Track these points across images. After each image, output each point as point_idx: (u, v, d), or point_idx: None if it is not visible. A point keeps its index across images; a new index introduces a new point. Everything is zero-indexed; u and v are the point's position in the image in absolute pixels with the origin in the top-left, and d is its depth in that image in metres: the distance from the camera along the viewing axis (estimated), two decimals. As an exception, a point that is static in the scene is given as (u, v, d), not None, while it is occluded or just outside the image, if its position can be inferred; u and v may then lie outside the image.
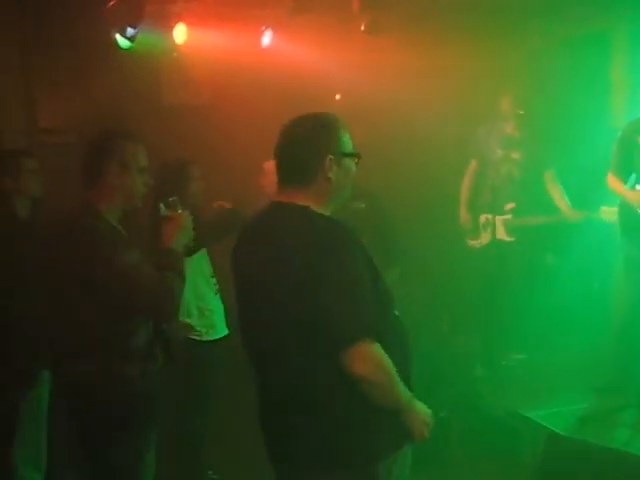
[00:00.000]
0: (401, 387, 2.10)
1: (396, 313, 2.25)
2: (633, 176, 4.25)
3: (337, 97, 6.29)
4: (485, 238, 5.19)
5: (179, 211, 2.69)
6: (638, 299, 4.17)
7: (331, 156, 2.12)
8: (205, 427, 3.94)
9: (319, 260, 1.99)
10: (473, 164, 5.32)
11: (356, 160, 2.23)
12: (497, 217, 5.12)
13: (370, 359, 1.99)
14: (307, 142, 2.13)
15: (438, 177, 5.65)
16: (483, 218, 5.20)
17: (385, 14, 5.17)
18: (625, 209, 4.21)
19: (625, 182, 4.26)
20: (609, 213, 4.44)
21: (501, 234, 5.12)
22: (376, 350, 2.01)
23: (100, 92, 5.23)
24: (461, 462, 4.20)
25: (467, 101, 5.64)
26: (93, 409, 2.58)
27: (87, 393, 2.58)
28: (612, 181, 4.31)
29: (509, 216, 5.06)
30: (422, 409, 2.21)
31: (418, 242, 5.50)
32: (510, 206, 5.06)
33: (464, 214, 5.30)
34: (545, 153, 5.06)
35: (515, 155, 5.07)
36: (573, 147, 5.10)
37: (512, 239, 5.07)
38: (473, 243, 5.26)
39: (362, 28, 5.04)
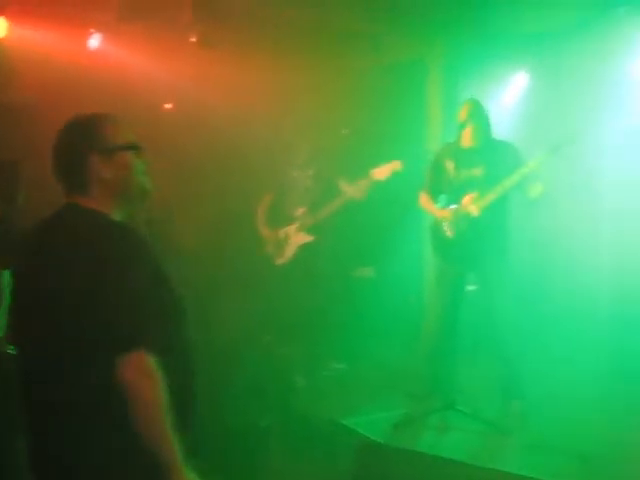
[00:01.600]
0: (171, 430, 1.87)
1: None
2: (443, 197, 4.59)
3: (168, 106, 6.24)
4: (289, 251, 5.41)
5: None
6: (446, 311, 4.50)
7: (96, 154, 1.98)
8: (15, 441, 3.75)
9: (99, 268, 1.85)
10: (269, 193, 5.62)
11: (136, 152, 2.07)
12: (291, 227, 5.39)
13: (143, 369, 1.86)
14: (65, 145, 2.01)
15: (264, 188, 5.75)
16: (282, 233, 5.45)
17: (217, 27, 5.22)
18: (435, 228, 4.53)
19: (436, 202, 4.58)
20: (378, 172, 4.77)
21: (300, 238, 5.37)
22: (151, 362, 1.87)
23: None
24: (281, 471, 4.29)
25: (299, 115, 5.83)
26: None
27: None
28: (424, 200, 4.62)
29: (299, 223, 5.35)
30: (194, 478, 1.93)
31: (239, 254, 5.58)
32: (300, 211, 5.32)
33: (266, 233, 5.52)
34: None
35: (310, 172, 5.43)
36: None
37: (312, 237, 5.33)
38: (280, 261, 5.45)
39: (193, 40, 5.05)
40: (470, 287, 4.77)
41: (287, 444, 4.47)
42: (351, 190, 5.21)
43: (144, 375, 1.86)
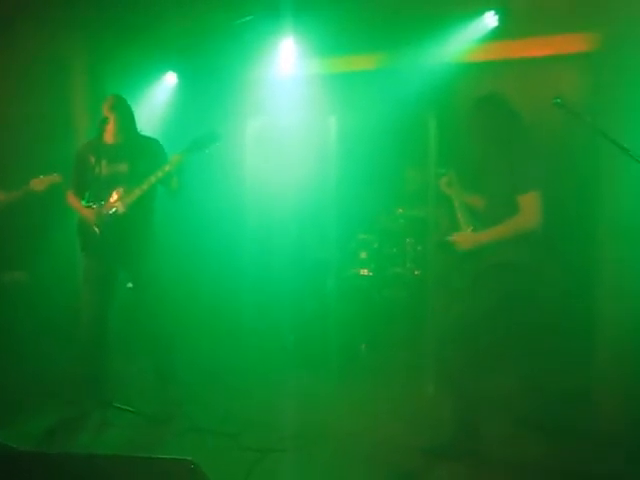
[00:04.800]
0: None
1: None
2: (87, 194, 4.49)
3: None
4: None
5: None
6: (96, 309, 4.44)
7: None
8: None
9: None
10: None
11: None
12: None
13: None
14: None
15: None
16: None
17: None
18: (82, 226, 4.44)
19: (82, 199, 4.49)
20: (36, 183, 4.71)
21: None
22: None
23: None
24: None
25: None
26: None
27: None
28: (71, 198, 4.51)
29: None
30: None
31: None
32: None
33: None
34: None
35: None
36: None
37: None
38: None
39: None
40: (129, 285, 4.78)
41: None
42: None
43: None
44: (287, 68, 5.86)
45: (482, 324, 3.74)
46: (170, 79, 6.33)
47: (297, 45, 5.75)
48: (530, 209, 3.62)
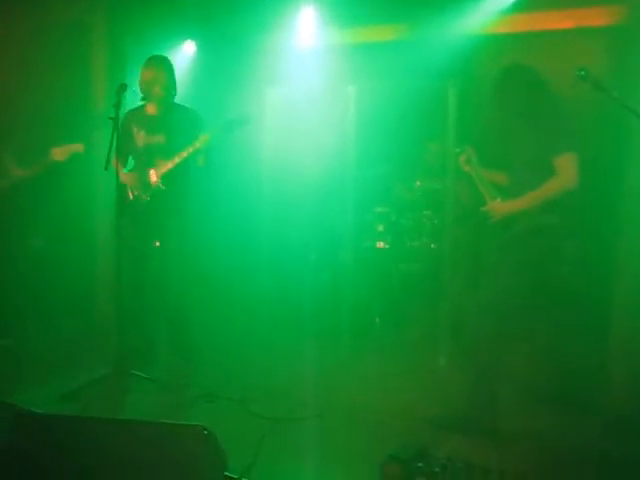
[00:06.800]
0: None
1: None
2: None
3: None
4: None
5: None
6: (133, 274, 4.52)
7: None
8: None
9: None
10: None
11: None
12: None
13: None
14: None
15: None
16: None
17: None
18: (120, 192, 4.45)
19: (124, 166, 4.64)
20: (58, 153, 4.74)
21: None
22: None
23: None
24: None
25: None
26: None
27: None
28: (116, 165, 4.53)
29: None
30: None
31: None
32: None
33: None
34: None
35: None
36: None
37: None
38: None
39: None
40: (156, 243, 4.79)
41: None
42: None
43: None
44: (307, 37, 5.79)
45: (512, 291, 3.73)
46: (189, 48, 6.28)
47: (317, 14, 5.68)
48: (568, 169, 3.61)
